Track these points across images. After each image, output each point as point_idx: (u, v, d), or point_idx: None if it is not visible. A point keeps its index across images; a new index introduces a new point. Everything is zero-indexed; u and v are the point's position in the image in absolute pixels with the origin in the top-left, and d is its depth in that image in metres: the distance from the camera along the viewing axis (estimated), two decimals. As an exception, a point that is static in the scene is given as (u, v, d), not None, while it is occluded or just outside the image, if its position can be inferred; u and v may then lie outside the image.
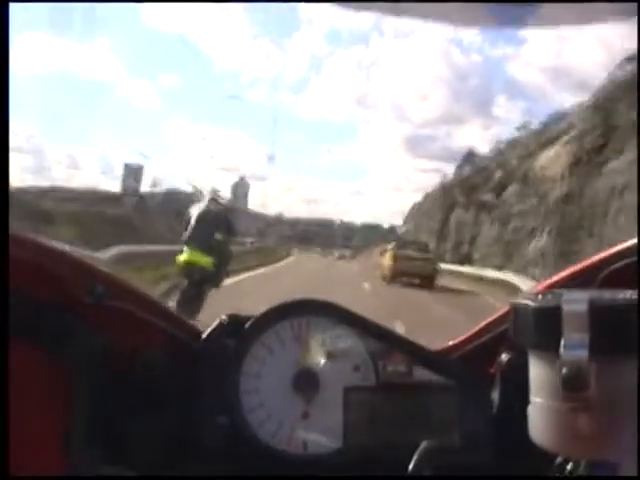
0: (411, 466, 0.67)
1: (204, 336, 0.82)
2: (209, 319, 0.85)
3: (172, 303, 5.41)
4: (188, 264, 5.53)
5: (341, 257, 48.29)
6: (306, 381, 0.80)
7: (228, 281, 6.76)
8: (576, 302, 0.52)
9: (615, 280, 0.70)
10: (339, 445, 0.79)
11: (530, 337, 0.57)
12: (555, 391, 0.53)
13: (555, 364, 0.53)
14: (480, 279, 18.42)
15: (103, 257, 9.44)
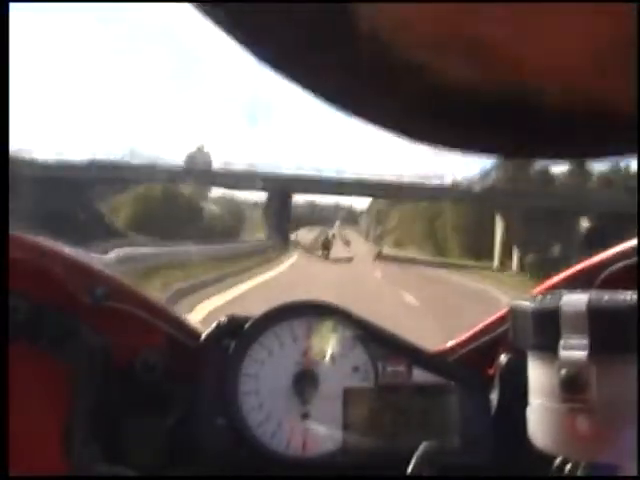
0: (410, 467, 0.67)
1: (203, 337, 0.82)
2: (209, 320, 0.85)
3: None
4: (326, 240, 31.48)
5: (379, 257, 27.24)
6: (305, 382, 0.80)
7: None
8: (575, 303, 0.52)
9: (615, 281, 0.70)
10: (338, 446, 0.79)
11: (529, 338, 0.57)
12: (554, 392, 0.53)
13: (554, 365, 0.53)
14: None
15: (105, 259, 9.41)
